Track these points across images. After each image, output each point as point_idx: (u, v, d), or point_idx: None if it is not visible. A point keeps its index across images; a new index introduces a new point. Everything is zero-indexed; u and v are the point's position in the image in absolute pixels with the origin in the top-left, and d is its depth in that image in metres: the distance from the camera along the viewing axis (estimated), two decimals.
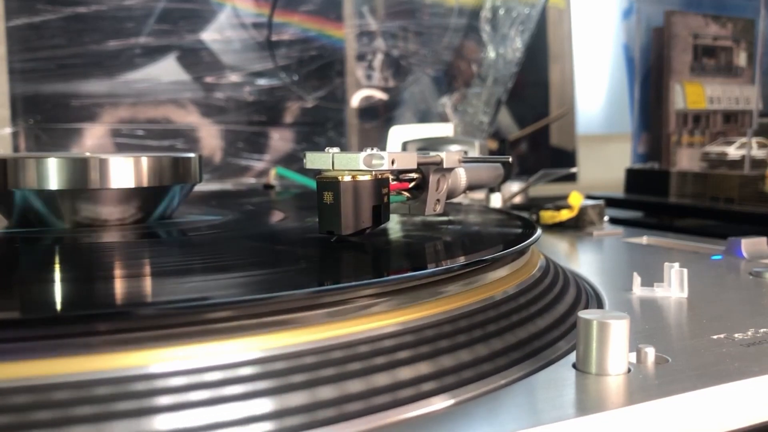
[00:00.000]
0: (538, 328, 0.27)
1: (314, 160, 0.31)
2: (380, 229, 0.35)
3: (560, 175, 0.77)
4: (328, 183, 0.30)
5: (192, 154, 0.42)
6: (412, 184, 0.34)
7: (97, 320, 0.20)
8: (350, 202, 0.30)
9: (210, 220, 0.43)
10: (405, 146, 0.61)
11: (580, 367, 0.23)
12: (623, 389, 0.22)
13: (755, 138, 0.76)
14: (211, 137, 0.82)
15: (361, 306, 0.23)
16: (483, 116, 0.87)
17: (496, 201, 0.67)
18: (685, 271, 0.35)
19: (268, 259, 0.31)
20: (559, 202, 0.62)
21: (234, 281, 0.25)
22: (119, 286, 0.24)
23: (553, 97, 1.06)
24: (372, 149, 0.30)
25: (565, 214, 0.60)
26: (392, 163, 0.31)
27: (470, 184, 0.38)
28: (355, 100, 0.89)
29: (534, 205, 0.66)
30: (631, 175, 0.89)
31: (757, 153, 0.75)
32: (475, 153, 0.60)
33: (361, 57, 0.88)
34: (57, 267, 0.28)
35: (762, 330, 0.29)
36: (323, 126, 0.88)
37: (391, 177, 0.32)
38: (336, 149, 0.31)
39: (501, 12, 0.86)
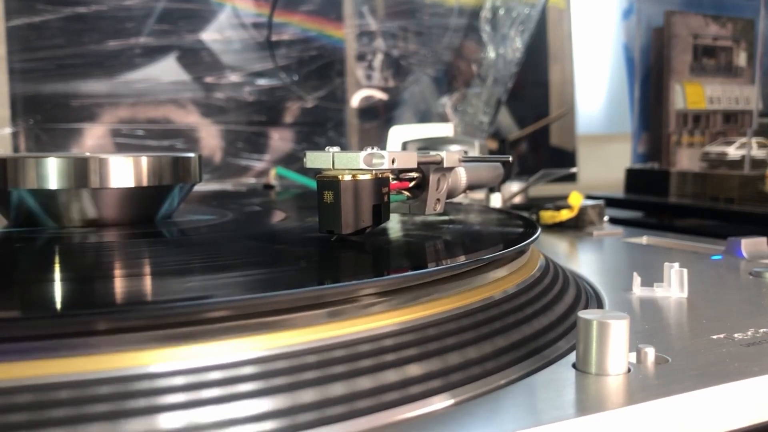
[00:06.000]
0: (537, 328, 0.27)
1: (314, 159, 0.31)
2: (380, 229, 0.35)
3: (560, 175, 0.77)
4: (328, 182, 0.30)
5: (192, 154, 0.42)
6: (412, 184, 0.34)
7: (97, 320, 0.20)
8: (350, 202, 0.30)
9: (210, 220, 0.43)
10: (405, 146, 0.61)
11: (580, 367, 0.23)
12: (623, 389, 0.22)
13: (755, 138, 0.76)
14: (211, 137, 0.82)
15: (361, 305, 0.23)
16: (483, 116, 0.87)
17: (496, 201, 0.67)
18: (685, 271, 0.35)
19: (268, 259, 0.31)
20: (559, 202, 0.62)
21: (234, 281, 0.24)
22: (119, 286, 0.24)
23: (553, 97, 1.06)
24: (372, 148, 0.30)
25: (565, 214, 0.60)
26: (392, 162, 0.31)
27: (470, 184, 0.38)
28: (355, 100, 0.89)
29: (534, 205, 0.66)
30: (631, 175, 0.89)
31: (757, 153, 0.75)
32: (475, 153, 0.60)
33: (361, 57, 0.88)
34: (57, 267, 0.28)
35: (762, 330, 0.29)
36: (323, 126, 0.88)
37: (391, 176, 0.32)
38: (336, 148, 0.31)
39: (501, 12, 0.86)
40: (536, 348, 0.25)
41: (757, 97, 0.84)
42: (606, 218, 0.63)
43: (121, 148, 0.76)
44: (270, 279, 0.25)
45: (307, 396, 0.19)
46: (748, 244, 0.46)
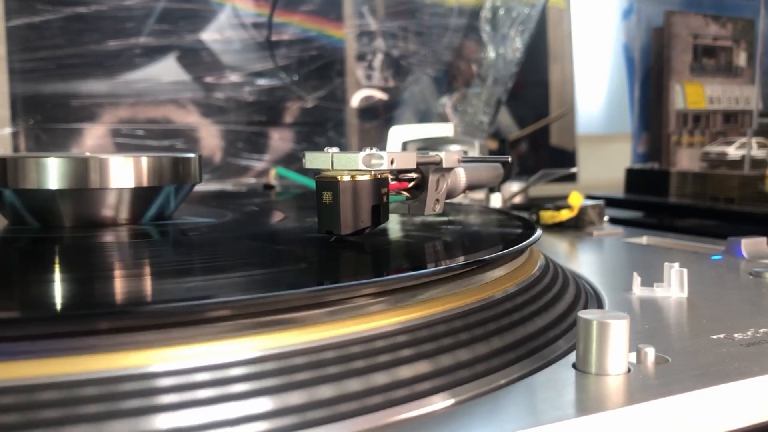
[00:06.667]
0: (537, 328, 0.27)
1: (313, 159, 0.31)
2: (380, 229, 0.35)
3: (560, 175, 0.77)
4: (327, 183, 0.30)
5: (192, 154, 0.42)
6: (411, 184, 0.34)
7: (97, 320, 0.20)
8: (349, 202, 0.30)
9: (210, 220, 0.43)
10: (405, 146, 0.61)
11: (579, 367, 0.23)
12: (623, 389, 0.22)
13: (755, 138, 0.76)
14: (211, 137, 0.82)
15: (360, 305, 0.23)
16: (483, 116, 0.87)
17: (496, 201, 0.67)
18: (685, 271, 0.35)
19: (268, 259, 0.31)
20: (559, 202, 0.62)
21: (234, 281, 0.25)
22: (119, 286, 0.24)
23: (553, 97, 1.06)
24: (371, 149, 0.30)
25: (565, 214, 0.60)
26: (391, 162, 0.31)
27: (470, 184, 0.38)
28: (355, 100, 0.89)
29: (534, 205, 0.66)
30: (631, 175, 0.89)
31: (757, 153, 0.75)
32: (475, 153, 0.60)
33: (361, 57, 0.88)
34: (57, 267, 0.28)
35: (762, 330, 0.29)
36: (323, 126, 0.87)
37: (390, 177, 0.32)
38: (335, 149, 0.31)
39: (501, 12, 0.86)
40: (536, 348, 0.25)
41: (757, 97, 0.84)
42: (606, 218, 0.63)
43: (121, 148, 0.76)
44: (270, 279, 0.25)
45: (304, 396, 0.19)
46: (748, 244, 0.46)
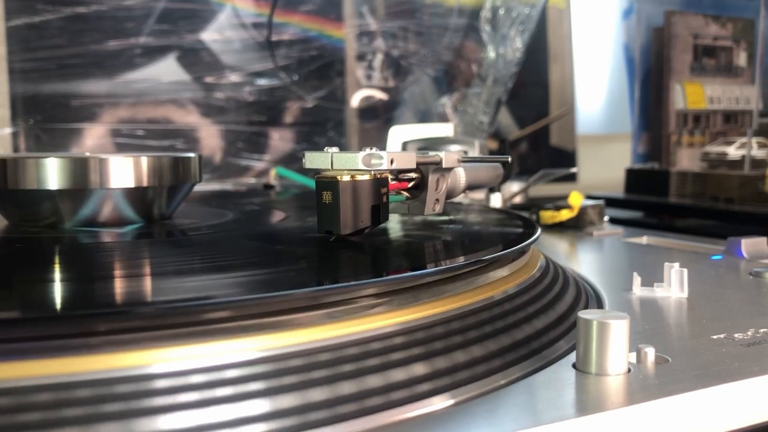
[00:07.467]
0: (537, 328, 0.27)
1: (313, 159, 0.31)
2: (380, 229, 0.35)
3: (560, 175, 0.77)
4: (326, 182, 0.30)
5: (192, 154, 0.42)
6: (411, 184, 0.34)
7: (97, 320, 0.20)
8: (349, 202, 0.30)
9: (210, 220, 0.43)
10: (405, 146, 0.61)
11: (580, 367, 0.23)
12: (623, 389, 0.22)
13: (755, 138, 0.76)
14: (211, 137, 0.82)
15: (360, 306, 0.23)
16: (483, 116, 0.87)
17: (496, 201, 0.67)
18: (685, 271, 0.35)
19: (268, 259, 0.31)
20: (559, 202, 0.62)
21: (234, 281, 0.24)
22: (119, 286, 0.24)
23: (553, 97, 1.06)
24: (371, 149, 0.30)
25: (565, 214, 0.60)
26: (391, 162, 0.31)
27: (469, 184, 0.38)
28: (355, 100, 0.89)
29: (534, 205, 0.66)
30: (631, 175, 0.89)
31: (757, 153, 0.75)
32: (475, 153, 0.60)
33: (361, 57, 0.88)
34: (57, 267, 0.28)
35: (762, 330, 0.29)
36: (323, 126, 0.87)
37: (390, 177, 0.32)
38: (335, 149, 0.31)
39: (501, 12, 0.86)
40: (536, 348, 0.25)
41: (757, 97, 0.84)
42: (606, 218, 0.63)
43: (121, 148, 0.76)
44: (270, 280, 0.25)
45: (305, 397, 0.19)
46: (748, 244, 0.46)
